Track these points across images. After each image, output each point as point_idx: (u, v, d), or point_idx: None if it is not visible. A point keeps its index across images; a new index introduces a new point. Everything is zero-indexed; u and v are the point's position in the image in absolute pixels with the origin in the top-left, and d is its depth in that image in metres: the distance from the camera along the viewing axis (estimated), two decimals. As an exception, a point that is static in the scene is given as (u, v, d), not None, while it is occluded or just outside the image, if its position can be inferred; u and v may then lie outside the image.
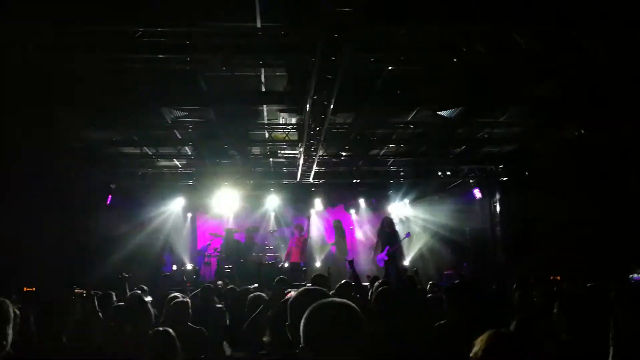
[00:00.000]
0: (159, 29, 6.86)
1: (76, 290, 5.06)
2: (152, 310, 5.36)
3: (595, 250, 9.87)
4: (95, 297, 4.39)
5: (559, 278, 11.20)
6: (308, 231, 16.73)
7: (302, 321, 2.10)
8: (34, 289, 9.56)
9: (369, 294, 7.17)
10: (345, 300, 2.15)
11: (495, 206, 15.62)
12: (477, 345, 2.65)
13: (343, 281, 6.92)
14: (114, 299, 6.86)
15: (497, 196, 15.50)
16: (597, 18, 6.16)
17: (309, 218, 17.25)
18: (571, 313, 4.48)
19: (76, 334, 3.98)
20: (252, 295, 6.13)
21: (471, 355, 2.67)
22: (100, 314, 4.35)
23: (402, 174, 15.20)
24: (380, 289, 4.89)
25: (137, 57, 7.35)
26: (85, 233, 13.73)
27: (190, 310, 5.53)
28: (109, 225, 14.98)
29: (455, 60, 7.36)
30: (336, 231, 17.16)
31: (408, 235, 15.95)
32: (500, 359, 2.57)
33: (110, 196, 14.95)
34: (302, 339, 2.08)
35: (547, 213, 12.42)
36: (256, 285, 9.17)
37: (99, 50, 6.99)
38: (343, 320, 2.04)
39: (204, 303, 7.31)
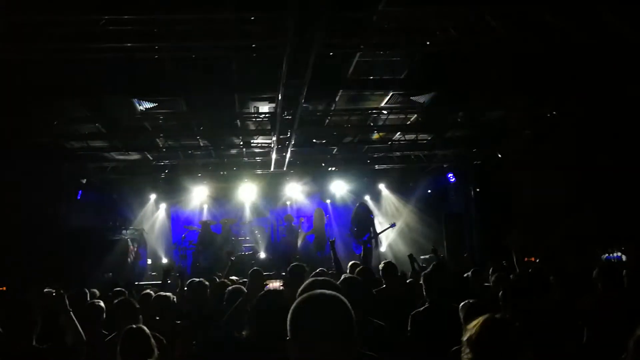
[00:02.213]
0: (124, 17, 6.65)
1: (45, 290, 4.88)
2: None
3: (571, 230, 9.97)
4: (66, 296, 4.23)
5: (533, 259, 11.32)
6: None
7: (289, 313, 1.99)
8: (4, 288, 9.34)
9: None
10: (335, 294, 2.05)
11: (470, 190, 15.70)
12: (471, 330, 2.61)
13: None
14: (88, 297, 6.71)
15: (472, 180, 15.58)
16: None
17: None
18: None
19: (45, 335, 3.84)
20: (231, 287, 6.00)
21: (464, 339, 2.62)
22: (72, 313, 4.18)
23: (376, 160, 15.15)
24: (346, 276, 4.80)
25: (102, 47, 7.11)
26: (56, 229, 13.42)
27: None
28: (80, 220, 14.67)
29: (428, 43, 7.30)
30: (316, 220, 16.99)
31: (394, 225, 15.98)
32: (493, 344, 2.53)
33: (80, 191, 14.63)
34: (288, 332, 1.98)
35: (521, 195, 12.51)
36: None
37: (63, 40, 6.77)
38: (330, 314, 1.95)
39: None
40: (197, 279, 6.69)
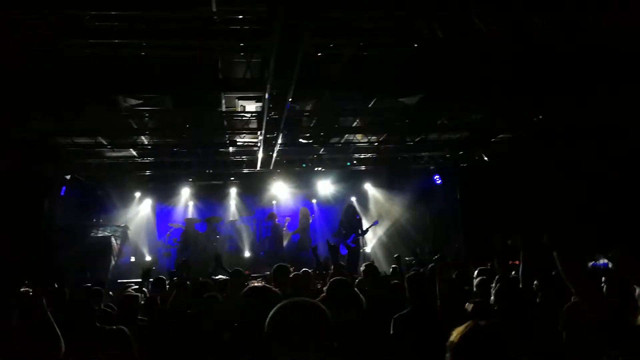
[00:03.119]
0: (111, 13, 6.57)
1: (22, 289, 4.79)
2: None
3: (556, 235, 9.97)
4: (44, 295, 4.14)
5: (517, 262, 11.35)
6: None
7: (269, 317, 2.02)
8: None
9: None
10: (312, 301, 2.07)
11: (455, 191, 15.77)
12: (454, 335, 2.59)
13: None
14: (67, 296, 6.63)
15: (457, 182, 15.66)
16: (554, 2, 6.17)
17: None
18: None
19: (21, 336, 3.77)
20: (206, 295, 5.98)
21: (447, 344, 2.61)
22: (49, 313, 4.10)
23: (362, 161, 15.16)
24: (332, 279, 4.80)
25: (87, 43, 7.04)
26: (39, 225, 13.28)
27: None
28: (64, 217, 14.55)
29: (415, 45, 7.31)
30: (302, 219, 16.95)
31: (377, 222, 16.02)
32: (476, 350, 2.51)
33: (64, 187, 14.48)
34: (266, 334, 2.01)
35: (506, 198, 12.56)
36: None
37: (47, 36, 6.70)
38: (306, 321, 1.95)
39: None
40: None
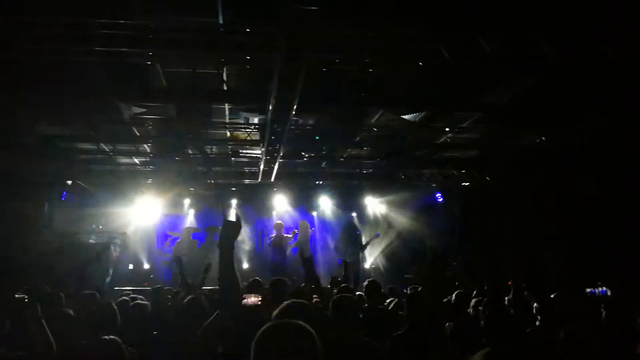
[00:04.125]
0: (119, 21, 6.61)
1: (16, 296, 4.76)
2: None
3: (555, 260, 9.94)
4: (39, 302, 4.12)
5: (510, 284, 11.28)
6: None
7: (256, 336, 2.03)
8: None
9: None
10: (299, 323, 2.06)
11: (455, 211, 15.73)
12: None
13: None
14: (64, 301, 6.58)
15: (458, 200, 15.63)
16: (561, 25, 6.18)
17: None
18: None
19: (13, 345, 3.74)
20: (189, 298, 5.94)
21: None
22: (43, 320, 4.07)
23: (364, 176, 15.14)
24: (336, 296, 4.77)
25: (92, 50, 7.05)
26: (37, 230, 13.26)
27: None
28: (63, 222, 14.52)
29: (420, 64, 7.32)
30: (301, 232, 16.75)
31: (378, 235, 15.96)
32: None
33: (64, 192, 14.47)
34: (251, 353, 2.03)
35: (507, 219, 12.51)
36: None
37: (54, 41, 6.72)
38: (293, 343, 1.95)
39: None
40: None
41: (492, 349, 2.58)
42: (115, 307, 5.47)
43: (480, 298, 6.43)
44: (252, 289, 7.01)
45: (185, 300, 5.82)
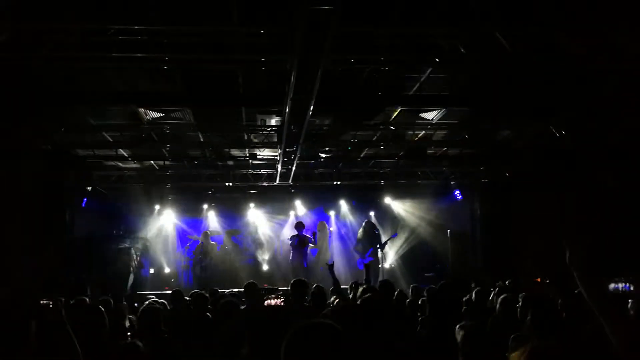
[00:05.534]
0: (135, 27, 6.65)
1: (42, 301, 4.79)
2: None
3: (576, 254, 9.78)
4: (63, 307, 4.14)
5: (539, 280, 11.19)
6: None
7: (285, 338, 2.03)
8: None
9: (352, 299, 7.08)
10: (329, 322, 2.06)
11: (476, 208, 15.61)
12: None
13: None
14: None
15: (478, 198, 15.51)
16: (581, 20, 6.09)
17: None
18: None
19: (40, 350, 3.76)
20: (224, 301, 5.94)
21: None
22: (68, 325, 4.09)
23: (382, 175, 15.09)
24: (365, 296, 4.73)
25: (110, 56, 7.11)
26: (60, 237, 13.41)
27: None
28: (85, 228, 14.69)
29: (437, 60, 7.27)
30: (320, 233, 16.75)
31: (396, 235, 15.91)
32: None
33: (85, 199, 14.62)
34: (281, 356, 2.01)
35: (527, 215, 12.39)
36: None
37: (71, 48, 6.78)
38: (322, 343, 1.95)
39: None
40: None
41: (536, 344, 2.54)
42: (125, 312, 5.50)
43: (507, 295, 6.33)
44: (249, 292, 7.04)
45: None
